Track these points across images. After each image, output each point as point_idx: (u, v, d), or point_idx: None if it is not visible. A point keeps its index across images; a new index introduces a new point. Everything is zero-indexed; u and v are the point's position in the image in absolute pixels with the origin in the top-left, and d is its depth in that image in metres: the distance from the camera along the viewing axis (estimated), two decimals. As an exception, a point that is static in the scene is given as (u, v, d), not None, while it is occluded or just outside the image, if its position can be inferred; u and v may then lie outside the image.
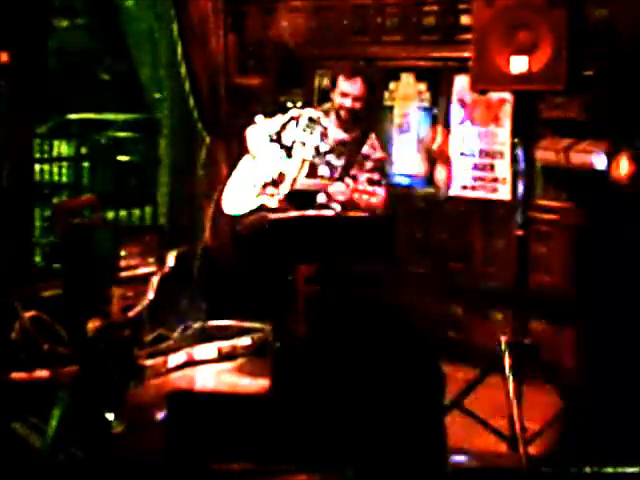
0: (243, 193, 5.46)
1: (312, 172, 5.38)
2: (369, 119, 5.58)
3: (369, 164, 5.38)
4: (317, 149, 5.40)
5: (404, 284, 6.01)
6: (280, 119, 5.53)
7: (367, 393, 2.14)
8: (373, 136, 5.49)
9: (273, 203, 5.26)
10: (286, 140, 5.43)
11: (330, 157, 5.42)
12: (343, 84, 5.36)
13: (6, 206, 5.95)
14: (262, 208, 5.32)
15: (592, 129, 5.29)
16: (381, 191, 5.02)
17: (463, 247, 5.85)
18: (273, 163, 5.38)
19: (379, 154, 5.45)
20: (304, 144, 5.38)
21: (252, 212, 5.39)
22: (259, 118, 5.57)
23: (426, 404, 2.13)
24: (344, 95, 5.35)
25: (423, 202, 6.03)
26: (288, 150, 5.39)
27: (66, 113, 11.37)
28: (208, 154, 6.62)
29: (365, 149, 5.41)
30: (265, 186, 5.37)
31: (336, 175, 5.35)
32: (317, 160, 5.40)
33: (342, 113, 5.38)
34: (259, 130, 5.53)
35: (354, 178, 5.16)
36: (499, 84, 4.54)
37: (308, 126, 5.41)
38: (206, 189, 6.44)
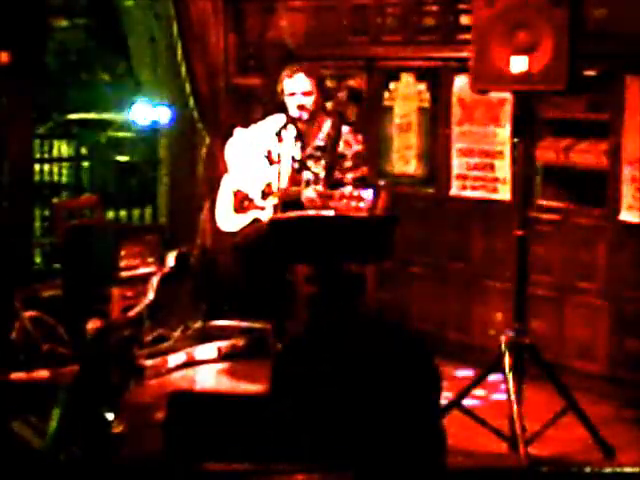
0: (233, 210, 5.42)
1: (296, 180, 5.28)
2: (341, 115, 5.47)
3: (348, 163, 5.22)
4: (293, 157, 5.33)
5: (404, 284, 6.01)
6: (259, 127, 5.49)
7: (366, 393, 2.14)
8: (346, 130, 5.30)
9: (266, 216, 5.21)
10: (266, 148, 5.34)
11: (310, 164, 5.32)
12: (287, 84, 5.29)
13: (6, 206, 5.95)
14: (255, 222, 5.30)
15: (592, 129, 5.29)
16: (367, 194, 4.66)
17: (463, 247, 5.85)
18: (258, 174, 5.34)
19: (356, 147, 5.27)
20: (283, 152, 5.27)
21: (246, 227, 5.37)
22: (237, 131, 5.53)
23: (422, 404, 2.13)
24: (292, 94, 5.27)
25: (423, 202, 6.03)
26: (269, 158, 5.31)
27: (66, 113, 11.39)
28: (208, 154, 6.62)
29: (340, 147, 5.23)
30: (253, 200, 5.34)
31: (320, 181, 5.21)
32: (297, 166, 5.31)
33: (302, 114, 5.26)
34: (238, 143, 5.49)
35: (341, 184, 4.99)
36: (499, 84, 4.54)
37: (281, 132, 5.29)
38: (206, 189, 6.44)
